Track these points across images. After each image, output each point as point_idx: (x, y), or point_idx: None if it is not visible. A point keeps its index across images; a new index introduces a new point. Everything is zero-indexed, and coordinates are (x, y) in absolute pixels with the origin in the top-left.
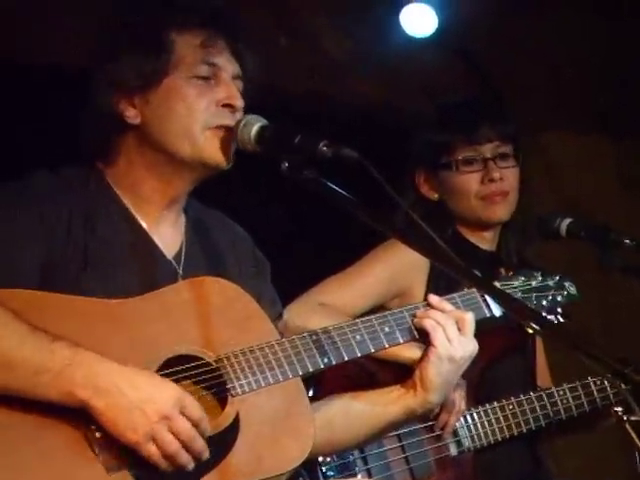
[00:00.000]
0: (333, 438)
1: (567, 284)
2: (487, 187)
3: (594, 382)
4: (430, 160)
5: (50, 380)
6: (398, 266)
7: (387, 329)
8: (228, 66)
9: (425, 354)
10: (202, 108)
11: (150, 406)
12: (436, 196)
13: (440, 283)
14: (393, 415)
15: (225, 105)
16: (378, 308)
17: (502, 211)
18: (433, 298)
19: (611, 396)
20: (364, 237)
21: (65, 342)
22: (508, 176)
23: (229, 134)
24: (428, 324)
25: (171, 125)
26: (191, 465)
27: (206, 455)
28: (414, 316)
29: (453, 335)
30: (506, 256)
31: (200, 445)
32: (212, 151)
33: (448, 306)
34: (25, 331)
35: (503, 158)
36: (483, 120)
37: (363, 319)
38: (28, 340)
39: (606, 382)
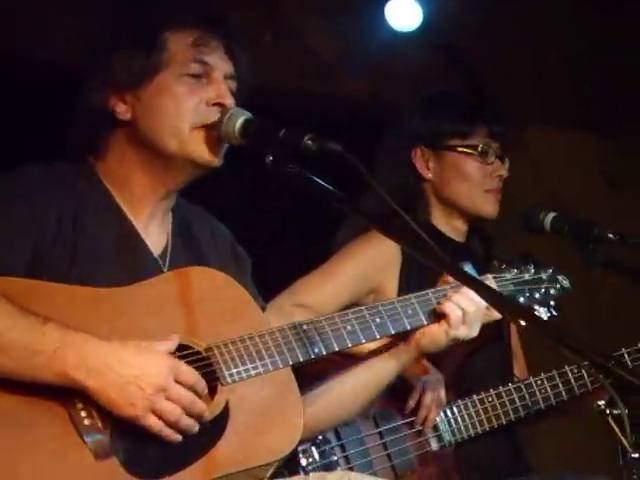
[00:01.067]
0: (329, 419)
1: (560, 277)
2: (493, 181)
3: (571, 370)
4: (436, 140)
5: (43, 362)
6: (371, 262)
7: (378, 320)
8: (221, 65)
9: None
10: (191, 107)
11: (145, 380)
12: (430, 175)
13: (412, 277)
14: (387, 377)
15: (215, 104)
16: (353, 305)
17: (497, 208)
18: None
19: (589, 384)
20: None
21: (55, 324)
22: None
23: (218, 132)
24: (449, 306)
25: (160, 122)
26: (195, 428)
27: (207, 415)
28: (404, 307)
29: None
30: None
31: (200, 407)
32: (200, 149)
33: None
34: (16, 314)
35: (503, 158)
36: (498, 116)
37: (354, 310)
38: (19, 322)
39: (583, 370)
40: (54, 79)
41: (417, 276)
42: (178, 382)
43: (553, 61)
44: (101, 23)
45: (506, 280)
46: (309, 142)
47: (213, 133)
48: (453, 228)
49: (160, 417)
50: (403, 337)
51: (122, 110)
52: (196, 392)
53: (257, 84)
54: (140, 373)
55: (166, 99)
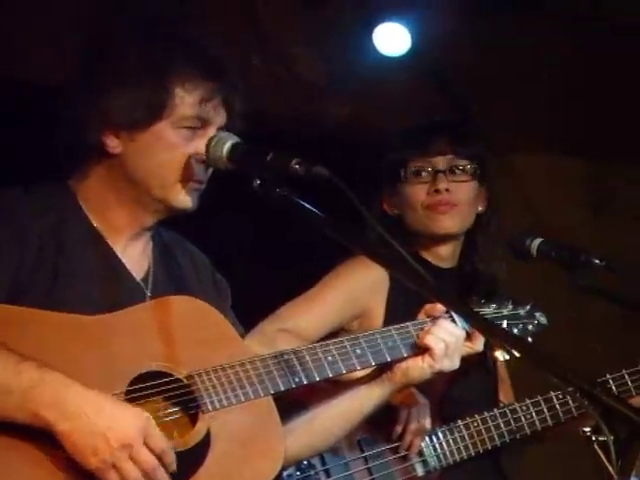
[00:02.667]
0: (317, 446)
1: (538, 314)
2: (432, 197)
3: (556, 396)
4: (390, 176)
5: (16, 401)
6: (357, 287)
7: (359, 351)
8: (218, 120)
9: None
10: (182, 161)
11: (113, 433)
12: (396, 212)
13: (399, 303)
14: (370, 407)
15: (204, 161)
16: (339, 330)
17: (448, 222)
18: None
19: (574, 409)
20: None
21: (32, 363)
22: (458, 189)
23: (198, 185)
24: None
25: (150, 169)
26: None
27: None
28: (384, 339)
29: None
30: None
31: (162, 478)
32: (181, 198)
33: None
34: None
35: (455, 172)
36: (437, 134)
37: (335, 340)
38: None
39: (569, 397)
40: (32, 98)
41: (404, 302)
42: (146, 445)
43: (539, 87)
44: (107, 58)
45: (485, 315)
46: (296, 166)
47: (197, 187)
48: (437, 256)
49: (118, 475)
50: (387, 367)
51: (113, 144)
52: (163, 462)
53: (245, 106)
54: (111, 425)
55: (160, 149)
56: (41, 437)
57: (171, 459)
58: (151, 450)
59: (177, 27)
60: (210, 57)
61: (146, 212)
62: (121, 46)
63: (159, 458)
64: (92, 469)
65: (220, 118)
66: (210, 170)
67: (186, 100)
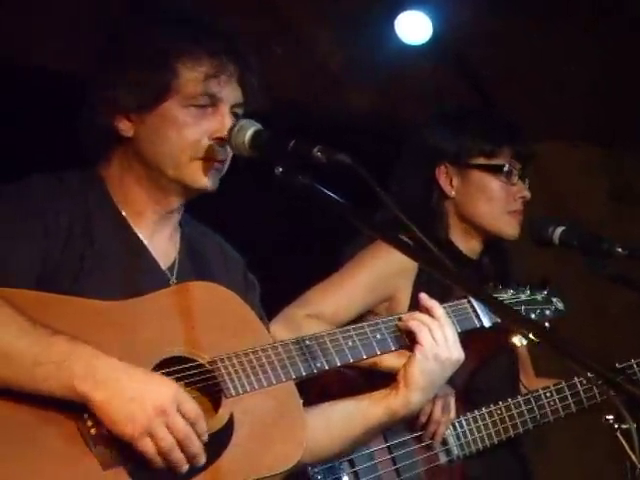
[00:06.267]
0: (316, 450)
1: (555, 299)
2: (516, 203)
3: (580, 382)
4: (461, 157)
5: (49, 373)
6: (386, 270)
7: (379, 336)
8: (230, 96)
9: (411, 353)
10: (193, 140)
11: (148, 400)
12: (453, 193)
13: (425, 288)
14: (375, 418)
15: (217, 138)
16: (366, 313)
17: (518, 230)
18: (423, 295)
19: (597, 395)
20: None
21: (64, 336)
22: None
23: (216, 165)
24: (414, 324)
25: (161, 150)
26: (184, 466)
27: (201, 459)
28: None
29: (439, 336)
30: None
31: (195, 446)
32: (196, 178)
33: (438, 311)
34: (24, 324)
35: (524, 179)
36: (517, 134)
37: (355, 326)
38: (27, 332)
39: (593, 384)
40: (64, 88)
41: (429, 288)
42: (180, 412)
43: (562, 75)
44: (114, 43)
45: (503, 300)
46: (318, 153)
47: (211, 165)
48: (470, 247)
49: (154, 442)
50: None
51: (126, 127)
52: (196, 430)
53: (267, 96)
54: (145, 390)
55: (169, 128)
56: (69, 410)
57: (204, 428)
58: (185, 417)
59: (184, 10)
60: (216, 34)
61: (166, 194)
62: (126, 31)
63: (192, 425)
64: (128, 437)
65: (232, 94)
66: (229, 150)
67: (191, 78)
